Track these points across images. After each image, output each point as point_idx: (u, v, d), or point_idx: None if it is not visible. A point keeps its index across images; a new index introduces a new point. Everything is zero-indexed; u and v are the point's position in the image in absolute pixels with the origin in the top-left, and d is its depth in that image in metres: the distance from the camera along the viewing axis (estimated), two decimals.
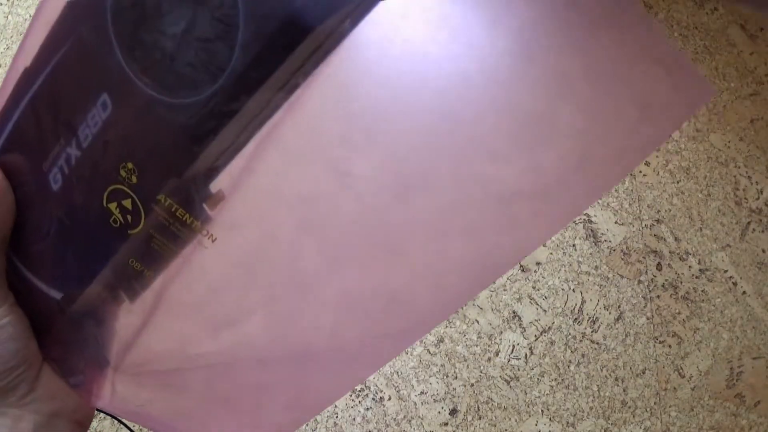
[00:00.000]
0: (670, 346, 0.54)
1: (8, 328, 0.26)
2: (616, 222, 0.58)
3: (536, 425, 0.51)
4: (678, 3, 0.68)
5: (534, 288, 0.56)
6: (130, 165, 0.22)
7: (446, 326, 0.55)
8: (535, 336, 0.54)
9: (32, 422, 0.27)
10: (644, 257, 0.58)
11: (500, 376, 0.53)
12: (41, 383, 0.27)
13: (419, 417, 0.52)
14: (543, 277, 0.56)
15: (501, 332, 0.55)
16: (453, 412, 0.52)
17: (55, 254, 0.24)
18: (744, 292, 0.57)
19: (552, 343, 0.54)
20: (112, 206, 0.23)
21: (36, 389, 0.27)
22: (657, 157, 0.61)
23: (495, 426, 0.52)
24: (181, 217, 0.22)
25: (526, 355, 0.54)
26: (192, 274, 0.24)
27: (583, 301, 0.56)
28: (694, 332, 0.55)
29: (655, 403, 0.52)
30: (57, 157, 0.23)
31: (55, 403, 0.27)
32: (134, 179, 0.22)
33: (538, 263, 0.57)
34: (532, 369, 0.53)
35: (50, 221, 0.24)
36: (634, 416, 0.51)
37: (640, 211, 0.59)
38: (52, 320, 0.26)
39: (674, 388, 0.53)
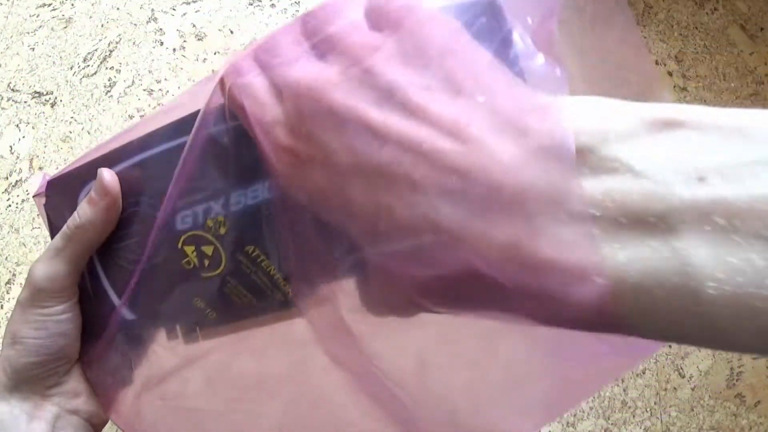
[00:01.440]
0: (670, 346, 0.54)
1: (64, 324, 0.26)
2: None
3: None
4: (678, 3, 0.68)
5: None
6: (220, 218, 0.22)
7: None
8: None
9: (51, 413, 0.27)
10: None
11: None
12: (69, 380, 0.28)
13: None
14: None
15: None
16: None
17: (141, 281, 0.24)
18: None
19: None
20: (188, 249, 0.23)
21: (62, 384, 0.28)
22: None
23: None
24: (266, 267, 0.22)
25: None
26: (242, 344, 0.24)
27: None
28: None
29: (655, 403, 0.52)
30: (196, 203, 0.23)
31: (75, 401, 0.28)
32: (222, 230, 0.22)
33: None
34: None
35: (147, 251, 0.24)
36: (634, 416, 0.51)
37: None
38: (106, 330, 0.26)
39: (674, 388, 0.53)
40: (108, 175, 0.25)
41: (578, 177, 0.14)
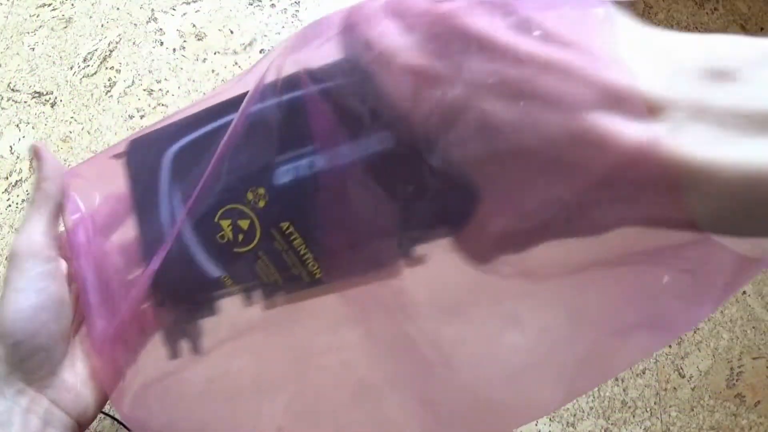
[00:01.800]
0: (670, 346, 0.54)
1: (43, 295, 0.26)
2: None
3: (536, 425, 0.51)
4: (678, 3, 0.68)
5: None
6: (261, 190, 0.23)
7: None
8: None
9: (44, 408, 0.27)
10: None
11: None
12: (62, 371, 0.28)
13: None
14: None
15: None
16: None
17: (169, 259, 0.25)
18: (744, 292, 0.57)
19: None
20: (224, 223, 0.23)
21: (55, 375, 0.27)
22: None
23: None
24: (296, 246, 0.22)
25: None
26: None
27: None
28: (694, 332, 0.55)
29: (655, 403, 0.52)
30: (299, 157, 0.23)
31: (67, 397, 0.28)
32: (261, 204, 0.23)
33: None
34: None
35: (185, 211, 0.24)
36: (634, 416, 0.52)
37: None
38: (179, 282, 0.26)
39: (674, 388, 0.53)
40: (36, 144, 0.28)
41: (712, 90, 0.17)
